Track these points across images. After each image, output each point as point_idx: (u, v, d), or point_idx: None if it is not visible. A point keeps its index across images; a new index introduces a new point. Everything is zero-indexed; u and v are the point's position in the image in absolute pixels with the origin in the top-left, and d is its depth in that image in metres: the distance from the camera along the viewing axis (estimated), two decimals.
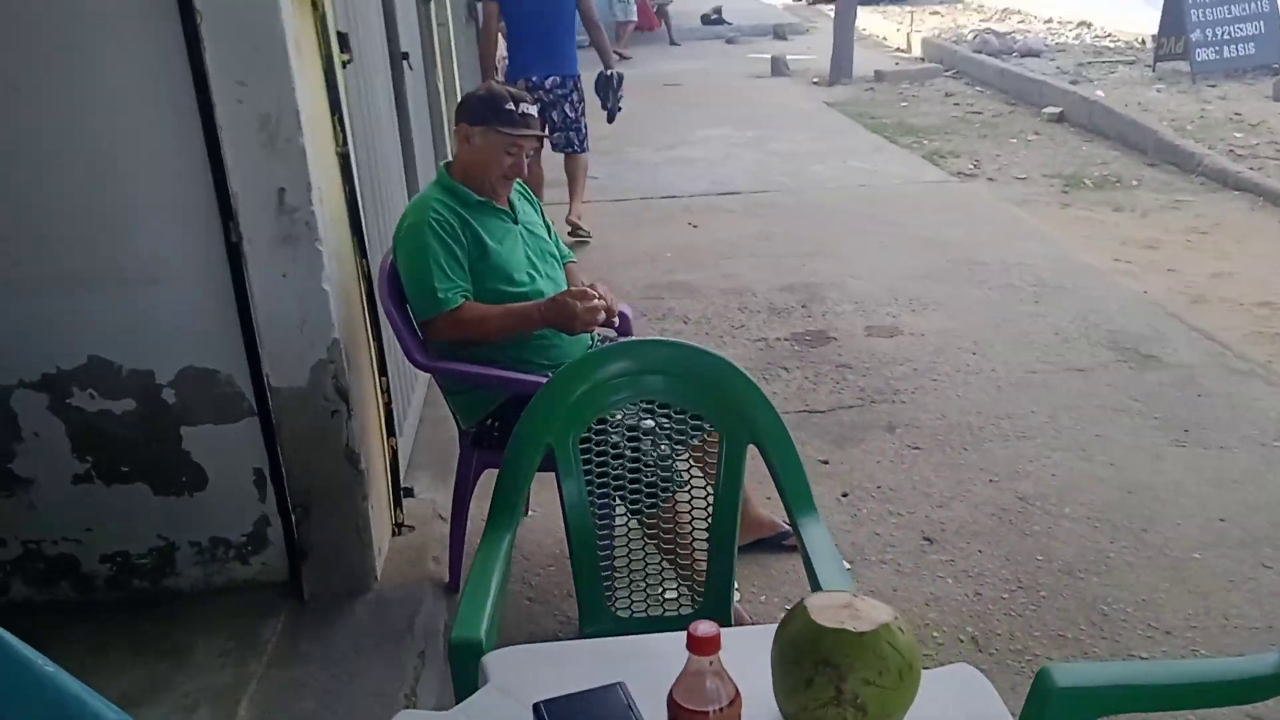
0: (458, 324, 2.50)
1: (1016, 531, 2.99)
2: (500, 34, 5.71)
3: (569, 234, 5.94)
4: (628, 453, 1.96)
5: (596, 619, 1.87)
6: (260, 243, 2.37)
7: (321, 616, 2.63)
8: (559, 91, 5.56)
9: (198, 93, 2.24)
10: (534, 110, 2.57)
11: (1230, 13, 9.36)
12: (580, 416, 1.86)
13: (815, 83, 11.15)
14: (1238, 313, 4.55)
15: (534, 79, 5.47)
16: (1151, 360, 4.05)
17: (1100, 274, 5.02)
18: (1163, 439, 3.45)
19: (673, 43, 14.26)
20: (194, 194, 2.33)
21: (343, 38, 2.73)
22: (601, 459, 1.90)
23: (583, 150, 5.84)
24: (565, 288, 2.69)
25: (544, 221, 2.83)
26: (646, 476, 1.99)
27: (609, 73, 5.75)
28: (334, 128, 2.58)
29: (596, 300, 2.48)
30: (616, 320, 2.66)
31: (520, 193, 2.80)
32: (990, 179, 7.00)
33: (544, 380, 2.39)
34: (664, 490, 2.02)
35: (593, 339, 2.76)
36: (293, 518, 2.60)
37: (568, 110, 5.62)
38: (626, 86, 5.92)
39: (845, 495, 3.22)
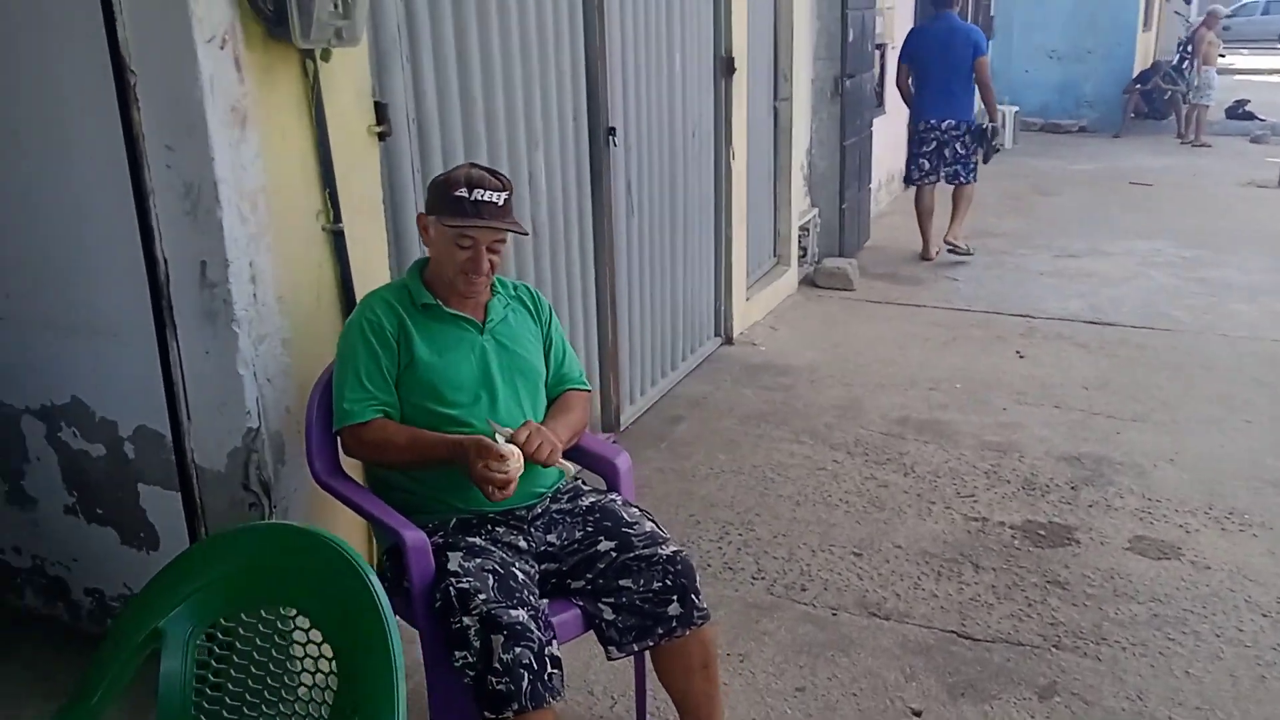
0: (360, 442, 2.17)
1: None
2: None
3: (947, 251, 6.84)
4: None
5: None
6: (186, 314, 2.25)
7: None
8: (953, 132, 6.66)
9: (132, 154, 2.17)
10: (496, 197, 2.15)
11: None
12: (208, 607, 1.45)
13: None
14: None
15: (931, 121, 6.68)
16: None
17: None
18: None
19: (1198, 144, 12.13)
20: (138, 256, 2.27)
21: (380, 109, 2.54)
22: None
23: (969, 181, 6.79)
24: (528, 418, 2.24)
25: (545, 335, 2.39)
26: None
27: (988, 125, 6.76)
28: (325, 203, 2.39)
29: (497, 464, 2.00)
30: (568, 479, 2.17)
31: (519, 299, 2.39)
32: None
33: (418, 531, 2.03)
34: None
35: (558, 481, 2.28)
36: None
37: (958, 148, 6.69)
38: (1003, 138, 7.68)
39: None
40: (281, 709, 1.38)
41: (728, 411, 4.40)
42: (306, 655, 1.36)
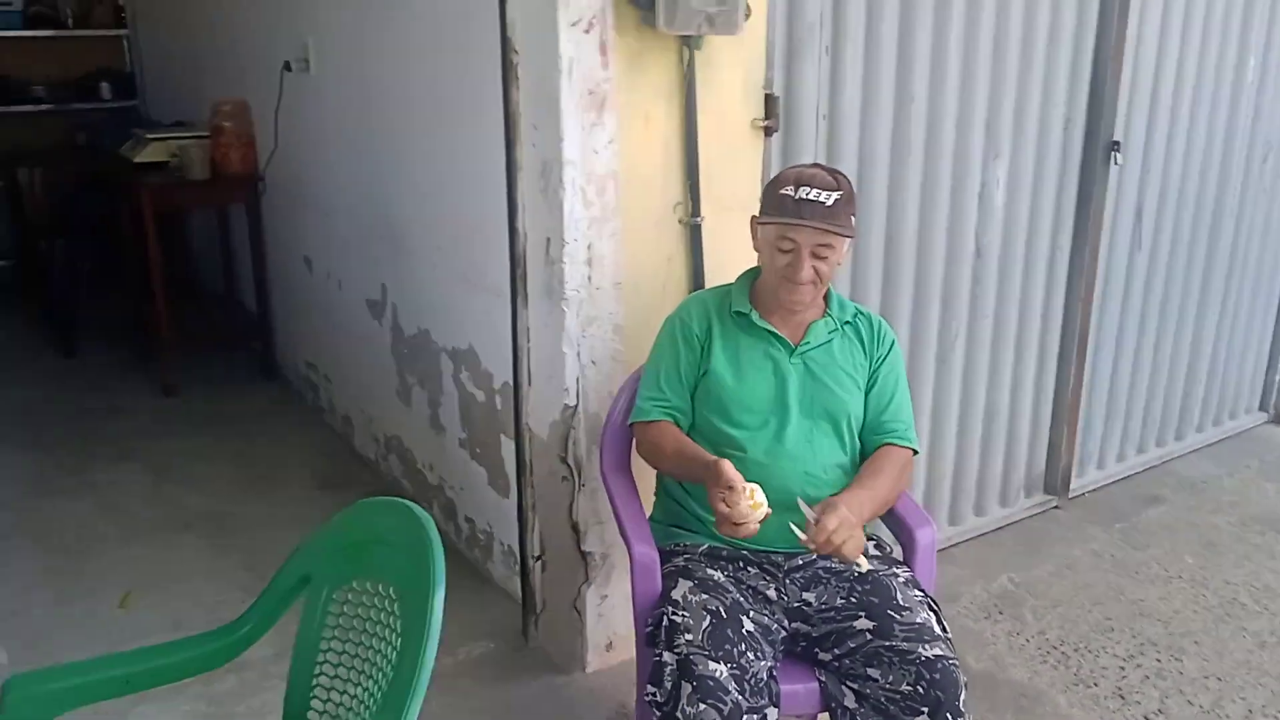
0: (642, 442, 2.09)
1: None
2: None
3: None
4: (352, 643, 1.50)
5: None
6: (534, 287, 2.36)
7: (522, 666, 2.58)
8: None
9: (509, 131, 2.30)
10: (825, 196, 1.88)
11: None
12: (343, 568, 1.51)
13: None
14: None
15: None
16: None
17: None
18: None
19: None
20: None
21: (770, 101, 2.39)
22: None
23: None
24: (820, 456, 1.98)
25: (871, 372, 2.07)
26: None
27: None
28: (685, 195, 2.33)
29: (727, 495, 1.78)
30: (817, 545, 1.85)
31: (854, 326, 2.09)
32: None
33: (648, 548, 1.94)
34: None
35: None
36: (529, 565, 2.57)
37: None
38: None
39: None
40: (378, 665, 1.40)
41: (1228, 506, 3.52)
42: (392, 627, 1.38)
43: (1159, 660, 2.68)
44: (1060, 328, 3.30)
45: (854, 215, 1.97)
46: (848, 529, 1.80)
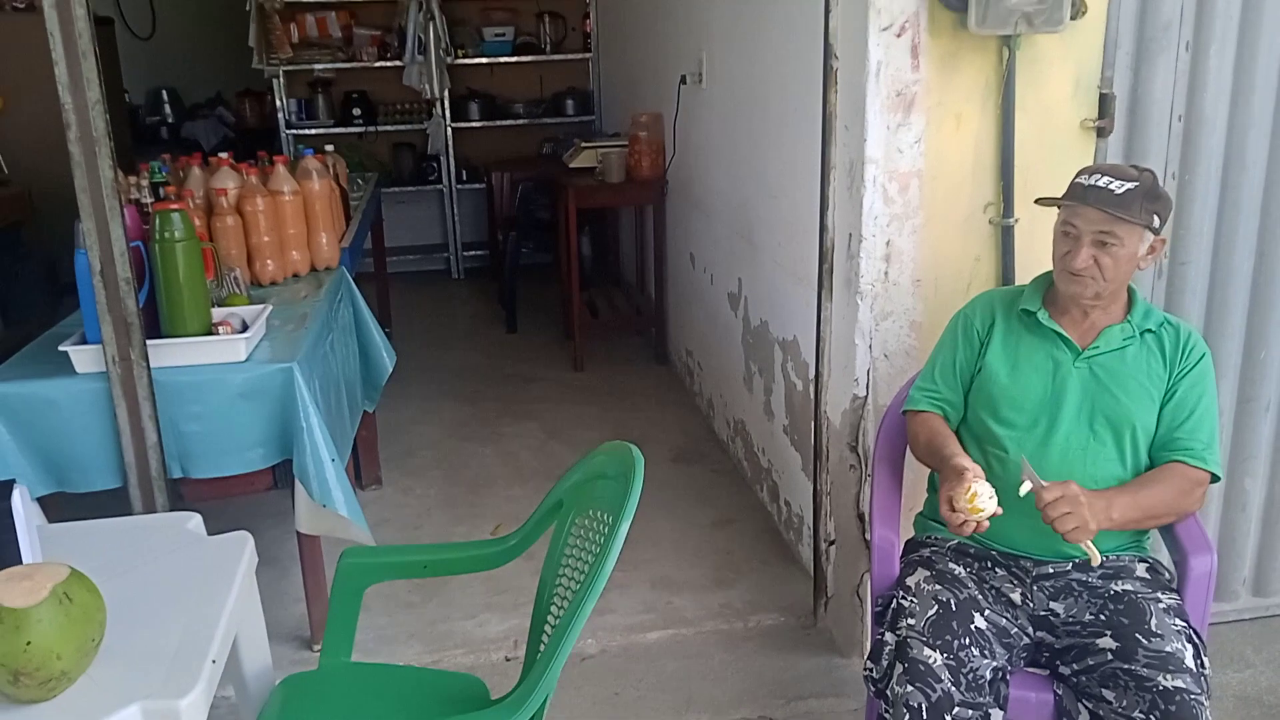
0: (909, 431, 2.12)
1: None
2: None
3: None
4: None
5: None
6: (837, 280, 2.47)
7: (805, 643, 2.69)
8: None
9: (825, 132, 2.42)
10: (1115, 185, 1.80)
11: None
12: (586, 496, 1.77)
13: None
14: None
15: None
16: None
17: None
18: None
19: None
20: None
21: (1104, 100, 2.28)
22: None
23: None
24: (1091, 468, 1.90)
25: (1170, 384, 1.92)
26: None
27: None
28: (997, 195, 2.32)
29: (960, 497, 1.78)
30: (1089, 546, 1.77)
31: (1156, 335, 1.95)
32: None
33: (890, 533, 2.02)
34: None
35: (1085, 556, 1.88)
36: (822, 548, 2.68)
37: None
38: None
39: None
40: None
41: None
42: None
43: None
44: None
45: (1157, 213, 1.86)
46: (1069, 505, 1.73)
